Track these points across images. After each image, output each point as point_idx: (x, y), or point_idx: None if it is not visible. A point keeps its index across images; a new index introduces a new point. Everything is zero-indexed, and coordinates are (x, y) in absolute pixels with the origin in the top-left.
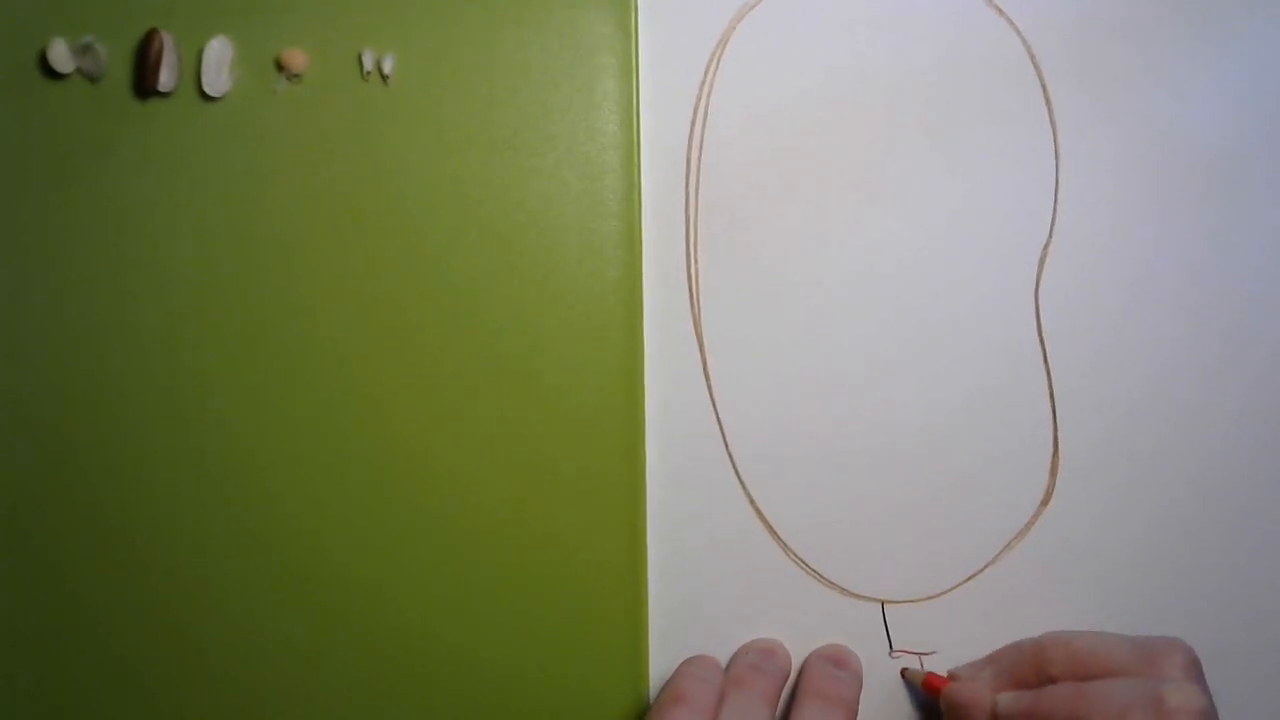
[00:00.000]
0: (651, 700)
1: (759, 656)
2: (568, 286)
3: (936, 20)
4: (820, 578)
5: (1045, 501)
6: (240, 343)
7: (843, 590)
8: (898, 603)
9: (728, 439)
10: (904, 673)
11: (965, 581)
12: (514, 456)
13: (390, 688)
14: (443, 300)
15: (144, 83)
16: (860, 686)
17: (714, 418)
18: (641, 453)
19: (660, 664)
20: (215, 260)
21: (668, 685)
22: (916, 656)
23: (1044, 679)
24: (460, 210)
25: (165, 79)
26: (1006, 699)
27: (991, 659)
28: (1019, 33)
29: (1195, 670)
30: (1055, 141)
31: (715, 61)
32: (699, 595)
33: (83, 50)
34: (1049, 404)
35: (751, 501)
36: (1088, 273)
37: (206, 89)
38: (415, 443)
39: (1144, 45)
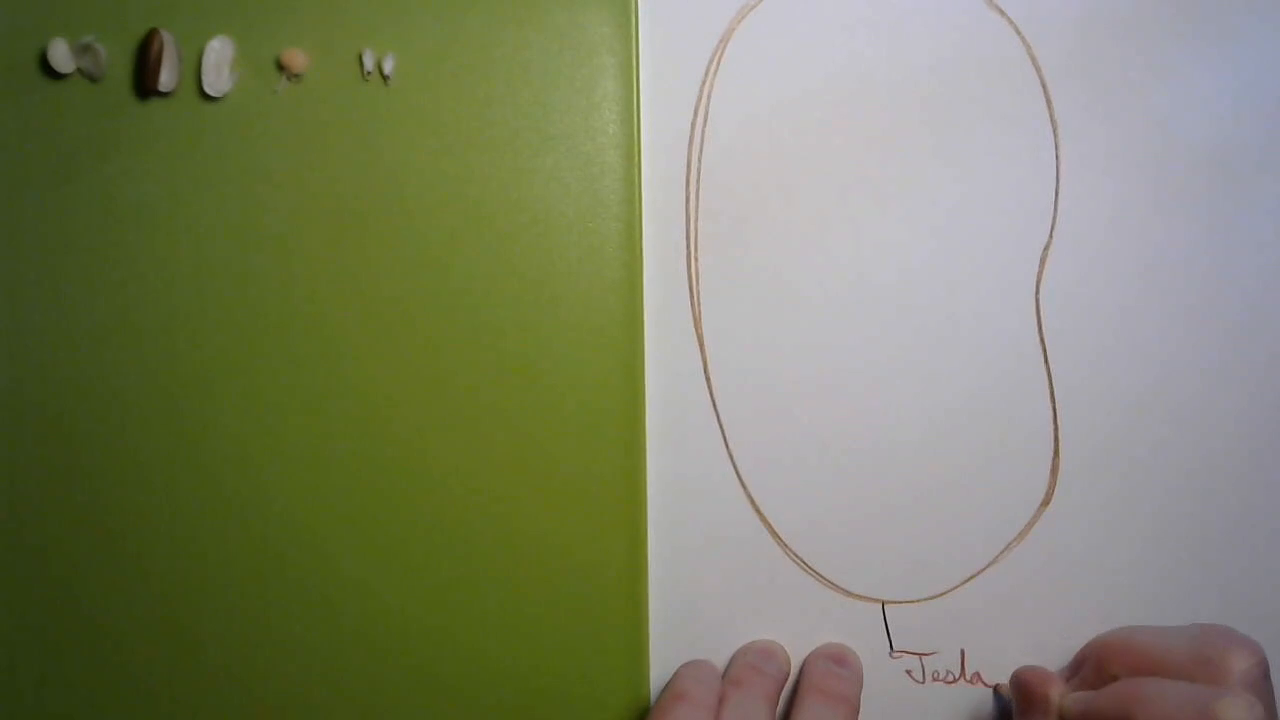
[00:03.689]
0: (652, 701)
1: (758, 657)
2: (568, 286)
3: (936, 20)
4: (820, 578)
5: (1046, 502)
6: (240, 342)
7: (843, 590)
8: (898, 603)
9: (728, 439)
10: (997, 689)
11: (966, 581)
12: (514, 457)
13: (390, 688)
14: (443, 300)
15: (144, 83)
16: (861, 684)
17: (714, 417)
18: (642, 453)
19: (660, 664)
20: (215, 260)
21: (668, 685)
22: (917, 657)
23: (1106, 677)
24: (460, 210)
25: (166, 79)
26: (1071, 698)
27: (1081, 653)
28: (1019, 33)
29: (1256, 675)
30: (1055, 141)
31: (715, 61)
32: (699, 595)
33: (83, 50)
34: (1049, 404)
35: (752, 501)
36: (1088, 272)
37: (207, 89)
38: (415, 443)
39: (1144, 45)
